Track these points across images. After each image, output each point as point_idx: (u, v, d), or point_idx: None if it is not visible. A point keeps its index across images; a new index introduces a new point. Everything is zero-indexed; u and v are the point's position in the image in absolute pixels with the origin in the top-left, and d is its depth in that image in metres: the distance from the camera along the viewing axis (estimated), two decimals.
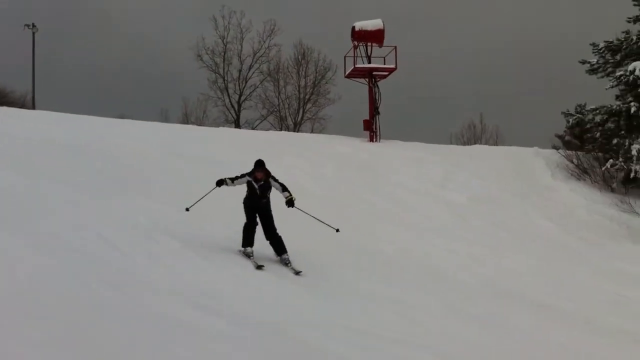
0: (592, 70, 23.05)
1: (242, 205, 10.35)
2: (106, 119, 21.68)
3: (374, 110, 25.26)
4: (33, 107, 28.62)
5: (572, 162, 21.53)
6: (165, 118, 43.92)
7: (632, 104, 20.82)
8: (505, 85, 63.07)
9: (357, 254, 12.13)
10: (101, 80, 62.80)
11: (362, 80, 26.23)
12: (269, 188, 10.15)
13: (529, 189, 19.83)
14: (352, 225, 14.28)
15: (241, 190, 10.46)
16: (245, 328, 6.88)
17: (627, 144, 20.19)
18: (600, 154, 21.25)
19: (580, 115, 22.95)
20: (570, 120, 23.24)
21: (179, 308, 6.94)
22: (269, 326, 7.19)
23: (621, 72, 21.19)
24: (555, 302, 11.65)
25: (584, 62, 23.35)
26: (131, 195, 12.15)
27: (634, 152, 19.62)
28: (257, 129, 39.94)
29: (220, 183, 10.33)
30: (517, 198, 18.84)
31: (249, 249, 9.99)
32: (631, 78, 20.74)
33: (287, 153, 19.61)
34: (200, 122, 43.43)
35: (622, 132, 21.04)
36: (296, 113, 45.81)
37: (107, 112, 26.65)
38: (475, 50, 63.41)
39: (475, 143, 37.08)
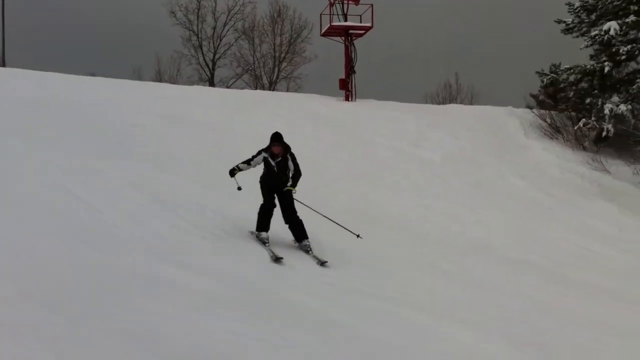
0: (568, 30, 23.09)
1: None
2: (77, 77, 21.25)
3: (349, 69, 25.12)
4: (3, 65, 27.93)
5: (545, 121, 21.71)
6: (137, 76, 43.18)
7: (605, 63, 20.97)
8: (481, 44, 63.00)
9: (333, 212, 12.18)
10: (71, 38, 61.42)
11: (338, 38, 26.00)
12: (287, 166, 9.09)
13: (502, 147, 20.01)
14: (328, 184, 14.36)
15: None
16: (223, 285, 6.94)
17: (599, 103, 20.39)
18: (573, 113, 21.45)
19: (554, 75, 23.06)
20: (545, 79, 23.34)
21: (157, 265, 6.97)
22: (247, 284, 7.26)
23: (596, 32, 21.26)
24: (527, 257, 11.91)
25: (559, 22, 23.37)
26: (106, 154, 12.02)
27: (606, 112, 19.83)
28: (231, 88, 39.58)
29: (232, 173, 9.36)
30: (491, 156, 19.02)
31: (264, 234, 8.99)
32: (605, 38, 20.84)
33: (262, 112, 19.49)
34: (173, 81, 42.84)
35: (596, 91, 21.22)
36: (271, 72, 45.39)
37: (77, 70, 26.09)
38: (453, 9, 63.01)
39: (450, 102, 37.17)
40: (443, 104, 36.07)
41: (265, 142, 9.35)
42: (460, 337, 6.89)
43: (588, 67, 21.68)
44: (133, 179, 10.31)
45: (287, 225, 9.17)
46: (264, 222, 9.05)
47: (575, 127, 20.77)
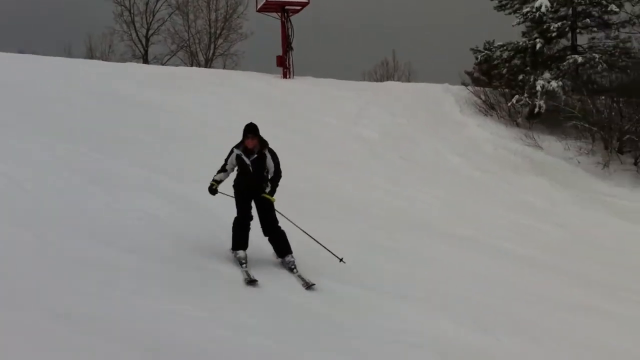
0: (500, 7, 23.44)
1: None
2: (4, 54, 20.28)
3: (286, 45, 24.86)
4: None
5: (480, 98, 22.07)
6: (68, 54, 41.64)
7: (537, 40, 21.43)
8: (417, 22, 63.54)
9: None
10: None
11: (275, 14, 25.65)
12: (264, 164, 7.62)
13: (439, 124, 20.25)
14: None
15: None
16: (155, 263, 6.81)
17: (532, 80, 20.85)
18: (506, 90, 21.87)
19: (488, 52, 23.42)
20: (479, 56, 23.69)
21: (87, 245, 6.77)
22: (180, 261, 7.12)
23: (527, 9, 21.66)
24: (465, 232, 12.11)
25: None
26: (36, 132, 11.51)
27: (538, 88, 20.31)
28: (166, 65, 38.65)
29: (213, 190, 7.87)
30: (428, 133, 19.23)
31: (241, 253, 7.48)
32: (537, 15, 21.26)
33: (198, 89, 19.09)
34: (106, 58, 41.54)
35: (528, 68, 21.69)
36: (207, 48, 44.54)
37: (4, 48, 24.83)
38: None
39: (388, 80, 37.38)
40: (380, 81, 36.23)
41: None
42: (403, 312, 6.94)
43: (520, 44, 22.12)
44: (63, 157, 9.94)
45: (266, 238, 7.73)
46: (240, 239, 7.59)
47: (509, 104, 21.20)
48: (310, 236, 7.93)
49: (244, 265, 7.33)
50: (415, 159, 17.23)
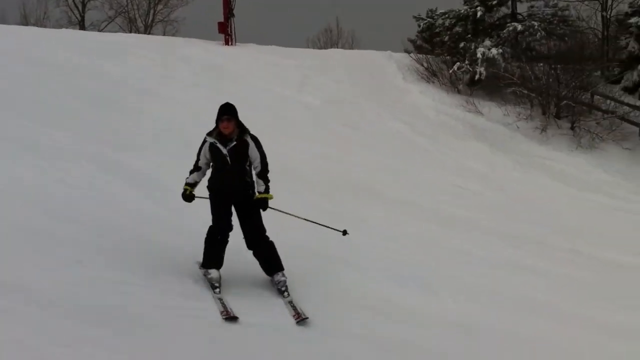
0: None
1: None
2: None
3: (228, 12, 24.40)
4: None
5: (422, 65, 22.19)
6: (2, 20, 39.92)
7: (478, 8, 21.63)
8: None
9: None
10: None
11: None
12: (246, 155, 6.08)
13: (382, 91, 20.31)
14: (209, 129, 13.96)
15: None
16: (95, 233, 6.69)
17: (472, 47, 21.09)
18: (448, 57, 22.04)
19: (430, 20, 23.57)
20: (421, 24, 23.82)
21: (24, 213, 6.61)
22: (120, 231, 7.01)
23: None
24: (407, 197, 12.26)
25: None
26: None
27: (479, 55, 20.54)
28: (104, 31, 37.49)
29: (187, 197, 6.32)
30: (371, 100, 19.26)
31: (213, 273, 6.04)
32: None
33: (137, 56, 18.58)
34: (41, 24, 39.99)
35: (469, 36, 21.91)
36: (146, 15, 43.40)
37: None
38: None
39: (331, 47, 37.21)
40: (324, 48, 36.04)
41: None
42: (345, 277, 7.02)
43: (462, 12, 22.30)
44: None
45: (250, 252, 6.30)
46: (214, 254, 6.08)
47: (450, 71, 21.40)
48: (308, 220, 6.86)
49: (217, 291, 5.83)
50: (359, 126, 17.27)
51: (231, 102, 6.27)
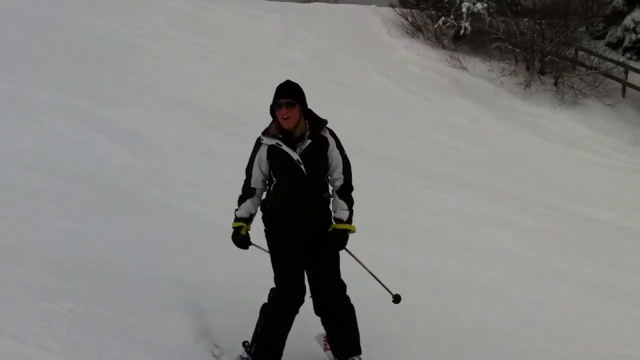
0: None
1: None
2: None
3: None
4: None
5: (407, 19, 21.97)
6: None
7: None
8: None
9: (191, 110, 11.77)
10: None
11: None
12: (326, 161, 4.00)
13: (366, 46, 20.12)
14: (190, 85, 13.81)
15: None
16: (81, 188, 6.68)
17: (457, 1, 20.87)
18: (433, 12, 21.83)
19: None
20: None
21: (9, 170, 6.56)
22: (105, 185, 6.99)
23: None
24: (388, 153, 12.27)
25: None
26: None
27: (464, 10, 20.36)
28: None
29: (241, 239, 4.00)
30: (355, 55, 19.10)
31: None
32: None
33: (111, 10, 18.15)
34: None
35: None
36: None
37: None
38: None
39: (315, 1, 36.64)
40: (308, 2, 35.51)
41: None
42: None
43: None
44: None
45: (319, 317, 4.08)
46: (272, 340, 3.83)
47: (435, 26, 21.22)
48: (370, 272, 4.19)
49: None
50: (343, 81, 17.15)
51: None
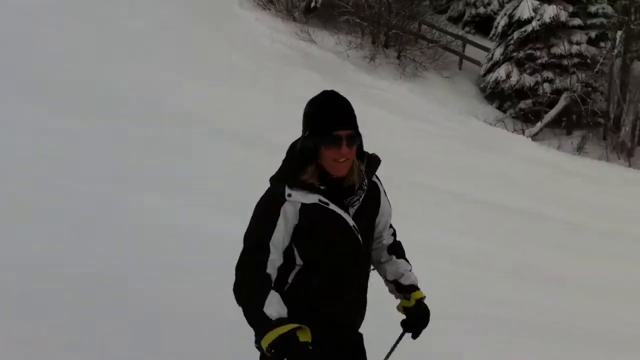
0: None
1: None
2: None
3: None
4: None
5: None
6: None
7: None
8: None
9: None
10: None
11: None
12: (375, 216, 2.78)
13: (216, 17, 19.81)
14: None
15: None
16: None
17: None
18: None
19: None
20: None
21: None
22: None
23: None
24: (231, 126, 12.25)
25: None
26: None
27: None
28: None
29: (301, 346, 2.30)
30: (204, 27, 18.76)
31: None
32: None
33: None
34: None
35: None
36: None
37: None
38: None
39: None
40: None
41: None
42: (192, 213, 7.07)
43: None
44: None
45: None
46: None
47: None
48: None
49: None
50: (191, 52, 16.82)
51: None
